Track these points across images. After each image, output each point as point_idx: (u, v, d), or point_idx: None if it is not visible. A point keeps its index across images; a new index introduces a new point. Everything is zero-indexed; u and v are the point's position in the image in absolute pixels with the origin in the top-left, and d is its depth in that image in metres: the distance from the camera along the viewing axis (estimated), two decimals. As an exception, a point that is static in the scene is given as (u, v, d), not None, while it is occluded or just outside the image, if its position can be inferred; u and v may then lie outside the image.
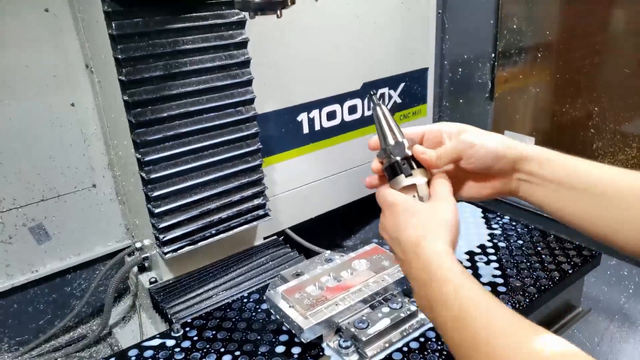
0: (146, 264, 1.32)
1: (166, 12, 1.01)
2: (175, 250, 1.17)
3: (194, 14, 1.04)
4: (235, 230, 1.26)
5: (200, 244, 1.20)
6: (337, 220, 1.68)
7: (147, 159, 1.07)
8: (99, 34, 1.03)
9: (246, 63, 1.14)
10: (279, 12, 0.78)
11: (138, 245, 1.30)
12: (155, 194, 1.10)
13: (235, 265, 1.30)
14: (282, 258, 1.33)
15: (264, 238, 1.41)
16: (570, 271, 0.96)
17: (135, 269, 1.34)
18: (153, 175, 1.09)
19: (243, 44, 1.13)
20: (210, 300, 1.17)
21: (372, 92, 0.75)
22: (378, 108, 0.74)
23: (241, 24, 1.11)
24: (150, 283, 1.25)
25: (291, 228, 1.49)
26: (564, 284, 0.95)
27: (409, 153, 0.70)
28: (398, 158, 0.69)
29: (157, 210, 1.12)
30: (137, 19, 0.98)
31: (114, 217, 1.39)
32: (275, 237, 1.42)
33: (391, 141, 0.71)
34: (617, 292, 1.36)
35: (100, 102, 1.23)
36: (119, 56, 0.98)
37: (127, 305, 1.47)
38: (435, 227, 0.60)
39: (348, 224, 1.76)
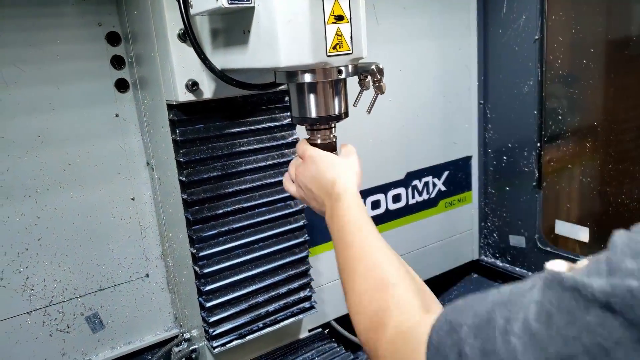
0: (193, 356, 1.32)
1: (225, 118, 1.09)
2: (223, 345, 1.18)
3: (250, 119, 1.12)
4: (282, 323, 1.26)
5: (247, 337, 1.21)
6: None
7: (201, 254, 1.11)
8: (163, 138, 1.12)
9: (297, 161, 1.20)
10: (333, 124, 0.84)
11: (187, 336, 1.32)
12: (207, 288, 1.13)
13: None
14: (328, 354, 1.30)
15: (309, 330, 1.40)
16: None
17: (183, 360, 1.34)
18: (206, 270, 1.12)
19: (294, 144, 1.19)
20: (256, 398, 1.15)
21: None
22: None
23: (293, 126, 1.18)
24: (197, 376, 1.25)
25: (336, 320, 1.47)
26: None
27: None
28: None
29: (208, 304, 1.14)
30: (199, 125, 1.06)
31: (164, 306, 1.42)
32: (320, 329, 1.41)
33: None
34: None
35: (158, 197, 1.30)
36: (181, 159, 1.05)
37: (172, 396, 1.45)
38: (346, 172, 0.78)
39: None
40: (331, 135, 0.85)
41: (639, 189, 1.37)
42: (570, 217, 1.53)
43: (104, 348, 1.35)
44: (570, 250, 1.55)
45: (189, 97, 1.01)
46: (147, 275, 1.38)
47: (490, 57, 1.67)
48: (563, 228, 1.54)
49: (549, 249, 1.60)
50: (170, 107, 1.04)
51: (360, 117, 1.46)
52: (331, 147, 0.85)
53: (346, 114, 0.84)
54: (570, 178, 1.53)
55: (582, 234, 1.47)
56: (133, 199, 1.32)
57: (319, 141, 0.84)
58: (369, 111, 0.84)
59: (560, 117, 1.51)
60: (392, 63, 1.50)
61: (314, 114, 0.81)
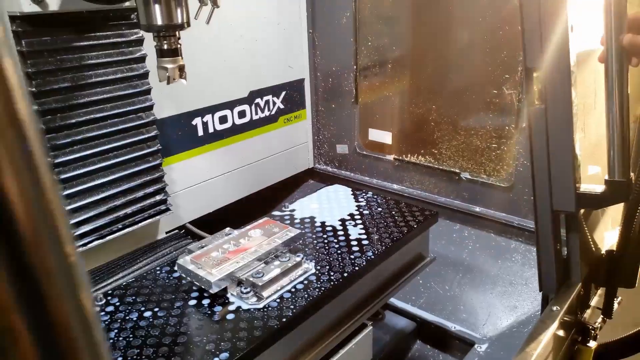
0: (55, 263, 1.41)
1: (72, 32, 1.16)
2: (85, 245, 1.29)
3: (98, 33, 1.20)
4: (140, 224, 1.41)
5: (108, 237, 1.34)
6: (235, 214, 1.88)
7: (57, 161, 1.20)
8: (5, 50, 1.14)
9: (145, 75, 1.32)
10: (177, 33, 0.99)
11: (46, 245, 1.39)
12: (66, 192, 1.23)
13: (142, 257, 1.45)
14: (184, 248, 1.50)
15: (166, 232, 1.57)
16: (415, 226, 1.28)
17: (44, 269, 1.42)
18: (63, 176, 1.22)
19: (142, 59, 1.30)
20: (122, 286, 1.31)
21: None
22: None
23: (140, 42, 1.29)
24: (62, 278, 1.35)
25: (191, 222, 1.67)
26: (411, 235, 1.27)
27: None
28: None
29: (67, 208, 1.24)
30: (46, 37, 1.12)
31: (18, 223, 1.46)
32: (176, 231, 1.59)
33: None
34: (460, 249, 1.74)
35: (2, 114, 1.31)
36: (29, 70, 1.11)
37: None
38: None
39: (245, 216, 1.97)
40: (177, 42, 1.01)
41: (424, 101, 1.78)
42: (378, 125, 1.91)
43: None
44: (380, 151, 1.94)
45: (34, 8, 1.05)
46: None
47: (316, -11, 1.91)
48: (374, 135, 1.92)
49: (364, 152, 1.97)
50: (13, 18, 1.07)
51: (206, 42, 1.61)
52: (177, 53, 1.01)
53: (188, 24, 1.00)
54: (378, 94, 1.90)
55: (387, 138, 1.86)
56: (-28, 117, 1.31)
57: (165, 47, 0.99)
58: (207, 22, 1.01)
59: (369, 44, 1.84)
60: (230, -10, 1.64)
61: (159, 22, 0.95)
